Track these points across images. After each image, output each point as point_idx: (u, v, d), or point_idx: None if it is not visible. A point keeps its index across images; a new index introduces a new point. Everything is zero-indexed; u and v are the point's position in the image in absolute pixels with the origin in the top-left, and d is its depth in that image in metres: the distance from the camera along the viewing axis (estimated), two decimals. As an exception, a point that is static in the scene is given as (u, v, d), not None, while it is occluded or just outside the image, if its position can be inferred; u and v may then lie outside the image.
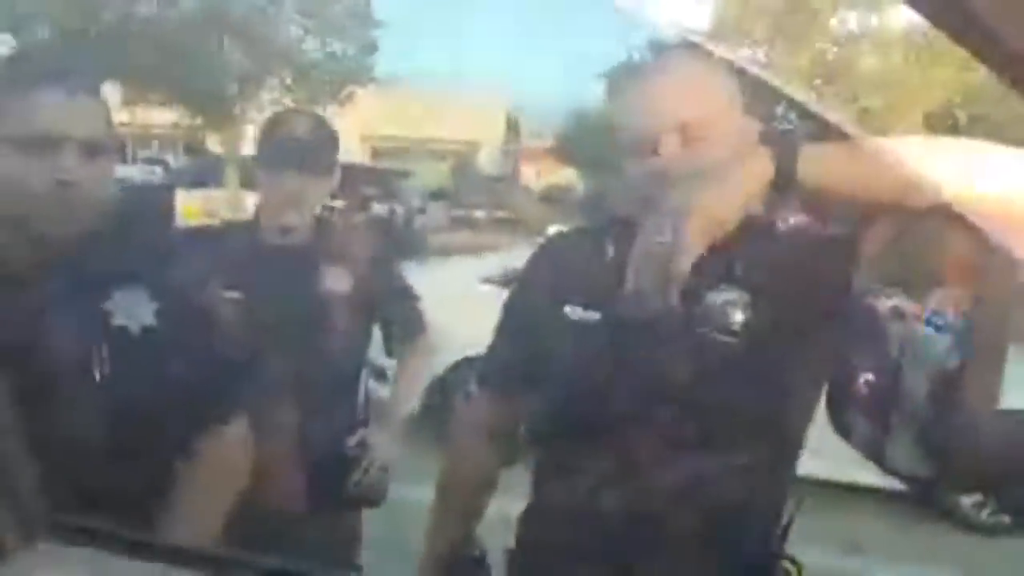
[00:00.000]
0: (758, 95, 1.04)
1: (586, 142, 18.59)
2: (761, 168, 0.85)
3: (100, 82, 1.16)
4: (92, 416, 1.02)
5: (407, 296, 1.68)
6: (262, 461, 1.26)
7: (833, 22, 15.29)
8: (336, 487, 1.49)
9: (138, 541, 0.80)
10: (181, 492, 1.12)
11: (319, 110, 7.72)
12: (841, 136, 0.87)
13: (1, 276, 1.01)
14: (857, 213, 0.94)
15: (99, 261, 1.05)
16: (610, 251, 1.05)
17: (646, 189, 0.96)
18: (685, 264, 0.81)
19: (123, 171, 12.43)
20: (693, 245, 0.81)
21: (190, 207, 11.00)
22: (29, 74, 1.03)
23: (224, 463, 1.17)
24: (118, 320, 1.06)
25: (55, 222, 1.02)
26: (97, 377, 1.03)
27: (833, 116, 0.86)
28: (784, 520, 1.03)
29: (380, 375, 1.74)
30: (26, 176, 0.99)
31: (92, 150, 1.02)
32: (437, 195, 17.06)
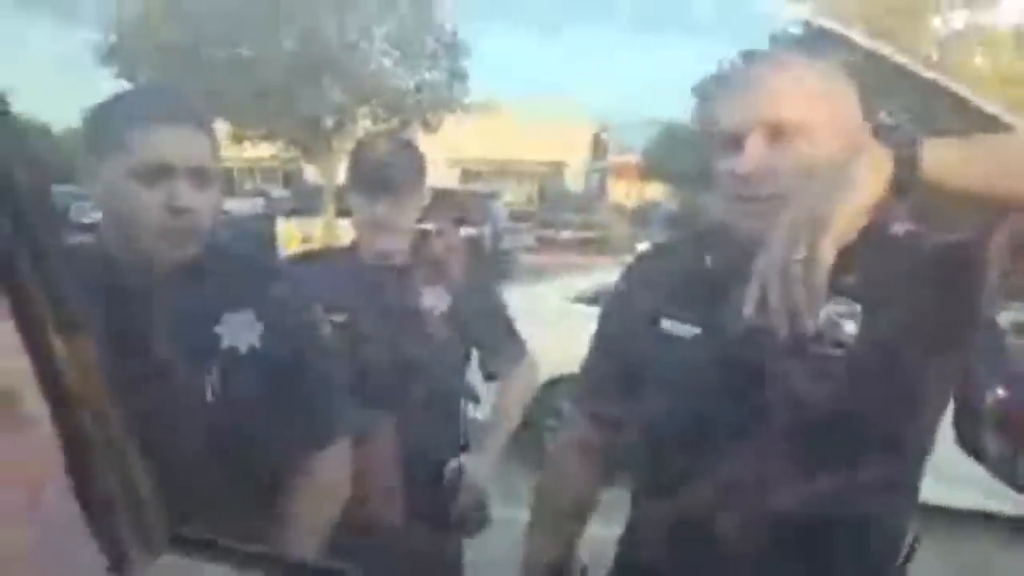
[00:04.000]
0: (872, 86, 0.97)
1: (675, 156, 18.34)
2: (881, 167, 0.77)
3: (210, 118, 1.23)
4: (205, 433, 1.07)
5: (504, 319, 1.68)
6: (363, 482, 1.29)
7: (936, 23, 14.64)
8: (436, 513, 1.49)
9: (254, 554, 0.83)
10: (287, 509, 1.16)
11: (410, 136, 7.91)
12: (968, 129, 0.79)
13: (119, 296, 1.07)
14: (983, 215, 0.85)
15: (210, 284, 1.11)
16: (708, 262, 1.03)
17: (732, 191, 0.93)
18: (823, 280, 0.74)
19: (229, 203, 13.13)
20: (829, 258, 0.74)
21: (290, 234, 11.52)
22: (146, 108, 1.09)
23: (325, 482, 1.20)
24: (228, 341, 1.11)
25: (168, 246, 1.08)
26: (209, 395, 1.08)
27: (992, 108, 0.79)
28: (905, 547, 0.96)
29: (474, 398, 1.74)
30: (142, 203, 1.05)
31: (202, 179, 1.08)
32: (524, 215, 17.15)
